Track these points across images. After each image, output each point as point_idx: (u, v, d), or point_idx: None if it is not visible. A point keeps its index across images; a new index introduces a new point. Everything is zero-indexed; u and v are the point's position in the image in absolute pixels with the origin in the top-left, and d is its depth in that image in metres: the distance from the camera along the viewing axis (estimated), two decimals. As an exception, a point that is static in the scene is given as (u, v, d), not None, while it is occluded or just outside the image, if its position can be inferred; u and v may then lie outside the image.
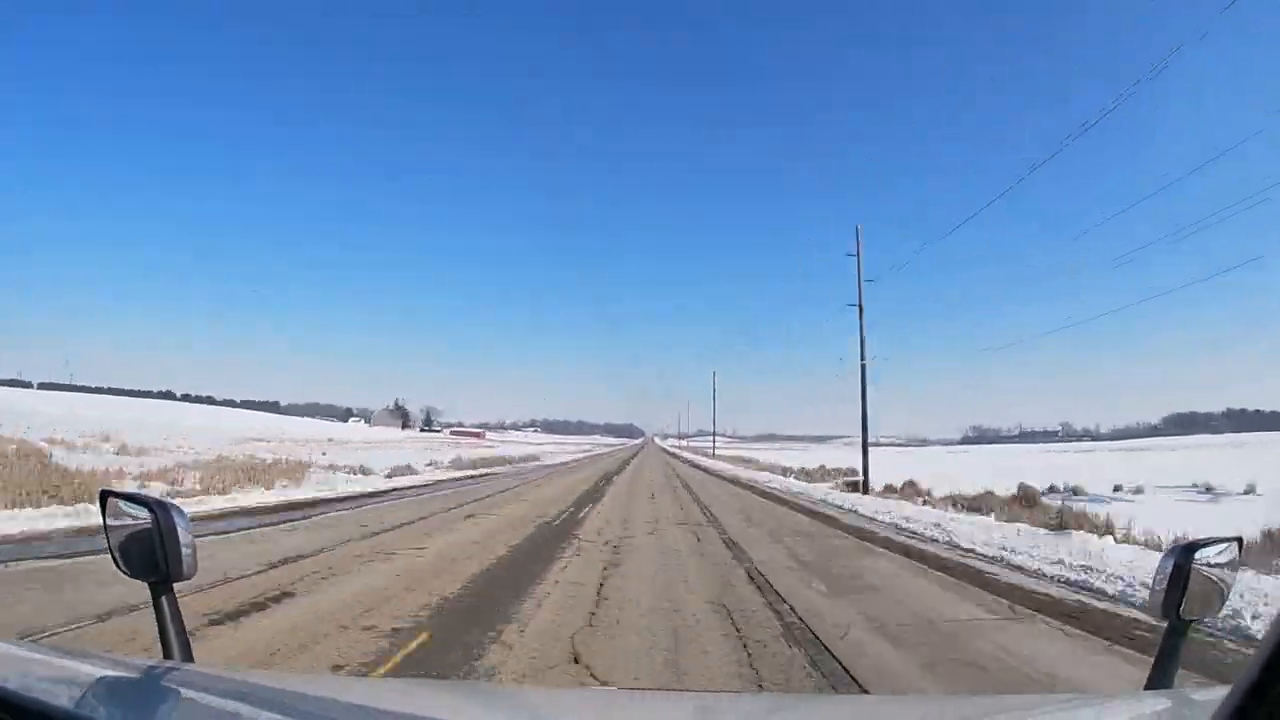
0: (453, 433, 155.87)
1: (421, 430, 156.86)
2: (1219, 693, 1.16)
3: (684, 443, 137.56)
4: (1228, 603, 1.36)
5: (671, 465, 44.65)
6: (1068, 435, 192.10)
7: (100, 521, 1.30)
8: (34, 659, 1.24)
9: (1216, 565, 1.28)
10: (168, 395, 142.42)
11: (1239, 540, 1.34)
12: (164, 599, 1.20)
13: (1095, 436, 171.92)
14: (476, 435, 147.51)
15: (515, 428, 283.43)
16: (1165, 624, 1.27)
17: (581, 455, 62.25)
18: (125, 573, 1.25)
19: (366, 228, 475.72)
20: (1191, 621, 1.27)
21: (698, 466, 44.56)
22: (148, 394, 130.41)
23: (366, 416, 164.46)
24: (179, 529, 1.19)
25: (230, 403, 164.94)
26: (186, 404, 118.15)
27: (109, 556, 1.26)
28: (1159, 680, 1.27)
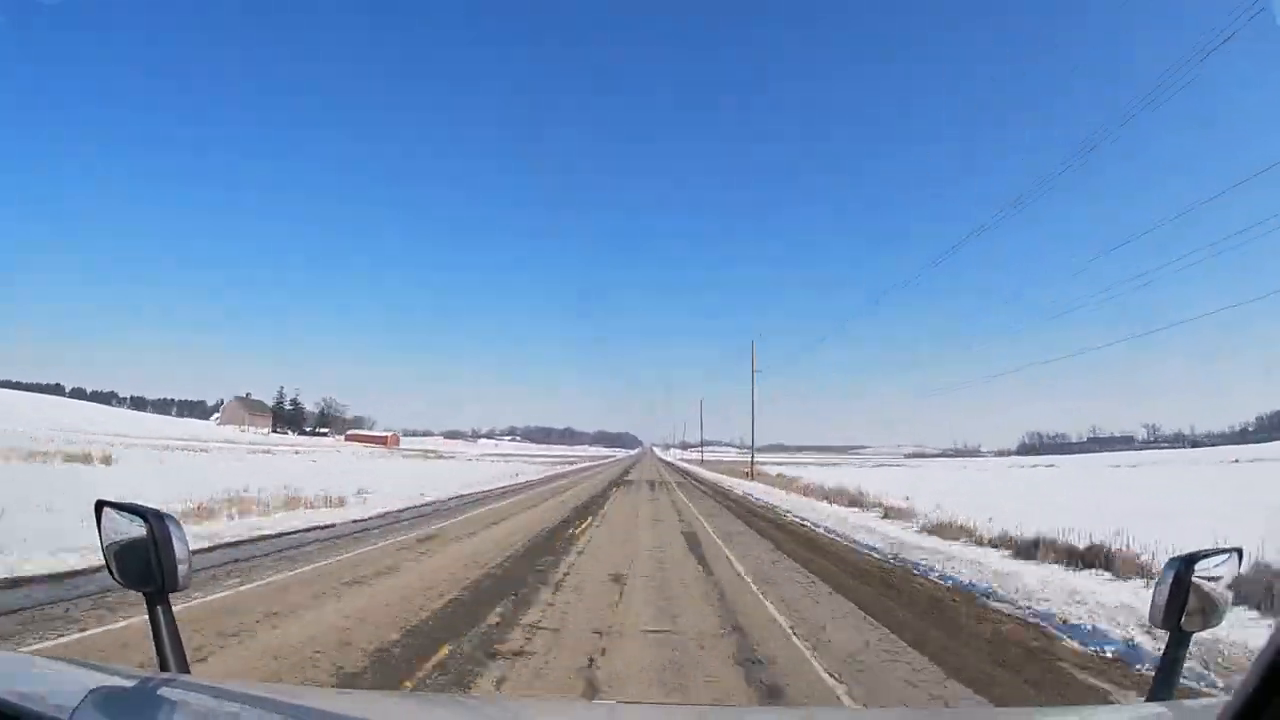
0: (350, 438, 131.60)
1: (305, 433, 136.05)
2: (1220, 704, 1.37)
3: (692, 454, 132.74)
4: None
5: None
6: (1152, 441, 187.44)
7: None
8: (26, 667, 1.47)
9: (1217, 577, 1.47)
10: (56, 389, 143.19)
11: (1239, 551, 1.54)
12: (159, 609, 1.40)
13: (1192, 441, 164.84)
14: (381, 442, 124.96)
15: (490, 436, 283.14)
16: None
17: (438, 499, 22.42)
18: (120, 583, 1.45)
19: (346, 224, 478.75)
20: (1192, 633, 1.47)
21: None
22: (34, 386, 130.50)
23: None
24: (174, 539, 1.38)
25: (140, 401, 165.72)
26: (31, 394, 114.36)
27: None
28: (1160, 692, 1.47)
